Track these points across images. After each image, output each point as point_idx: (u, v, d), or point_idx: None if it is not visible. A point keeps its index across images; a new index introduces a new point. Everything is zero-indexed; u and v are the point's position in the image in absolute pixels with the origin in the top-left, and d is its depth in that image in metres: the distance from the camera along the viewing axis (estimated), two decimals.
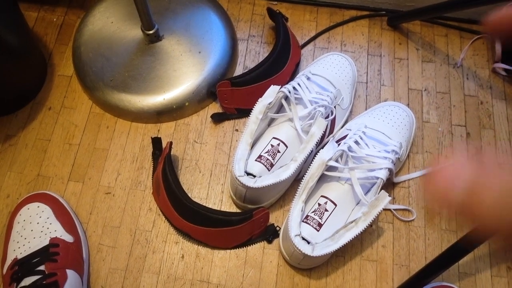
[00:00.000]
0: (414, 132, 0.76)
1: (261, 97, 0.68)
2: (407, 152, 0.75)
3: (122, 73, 0.78)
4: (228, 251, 0.69)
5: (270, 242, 0.70)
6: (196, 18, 0.82)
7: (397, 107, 0.74)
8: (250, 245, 0.70)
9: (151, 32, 0.77)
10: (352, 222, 0.62)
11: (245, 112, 0.78)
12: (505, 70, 0.83)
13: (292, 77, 0.80)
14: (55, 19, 0.87)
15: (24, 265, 0.58)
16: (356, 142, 0.67)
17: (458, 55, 0.86)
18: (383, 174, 0.64)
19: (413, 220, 0.72)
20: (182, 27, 0.81)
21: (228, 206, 0.72)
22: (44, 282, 0.56)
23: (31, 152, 0.75)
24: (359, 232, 0.60)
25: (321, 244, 0.61)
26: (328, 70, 0.75)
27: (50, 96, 0.80)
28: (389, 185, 0.74)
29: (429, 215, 0.72)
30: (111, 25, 0.82)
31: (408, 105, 0.81)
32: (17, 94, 0.78)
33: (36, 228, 0.63)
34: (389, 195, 0.61)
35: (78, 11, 0.88)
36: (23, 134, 0.77)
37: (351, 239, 0.60)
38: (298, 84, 0.70)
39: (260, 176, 0.65)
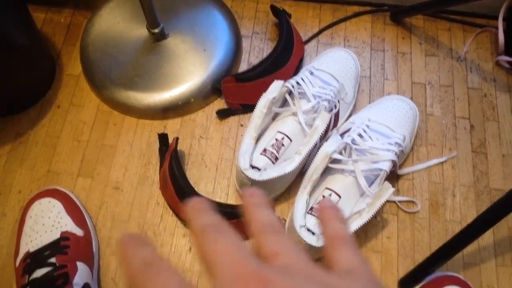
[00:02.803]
0: (418, 125, 0.76)
1: (265, 92, 0.69)
2: (411, 145, 0.76)
3: (128, 71, 0.79)
4: None
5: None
6: (200, 16, 0.84)
7: (401, 101, 0.75)
8: None
9: (156, 30, 0.78)
10: (356, 213, 0.63)
11: (249, 108, 0.79)
12: (509, 62, 0.83)
13: (295, 73, 0.81)
14: (62, 20, 0.89)
15: (36, 258, 0.60)
16: (360, 135, 0.68)
17: (461, 48, 0.86)
18: (386, 166, 0.65)
19: (417, 211, 0.73)
20: (187, 26, 0.83)
21: (234, 199, 0.73)
22: (55, 273, 0.58)
23: (41, 149, 0.77)
24: (364, 223, 0.61)
25: None
26: (332, 65, 0.76)
27: (59, 95, 0.82)
28: (393, 177, 0.74)
29: (433, 207, 0.73)
30: (117, 24, 0.83)
31: (411, 98, 0.81)
32: (27, 93, 0.80)
33: (47, 223, 0.65)
34: (393, 187, 0.62)
35: (84, 12, 0.90)
36: (33, 131, 0.78)
37: (356, 230, 0.61)
38: (302, 79, 0.71)
39: (265, 169, 0.66)
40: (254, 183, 0.65)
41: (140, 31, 0.82)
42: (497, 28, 0.85)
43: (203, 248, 0.20)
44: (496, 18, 0.86)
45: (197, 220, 0.21)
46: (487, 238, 0.70)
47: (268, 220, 0.22)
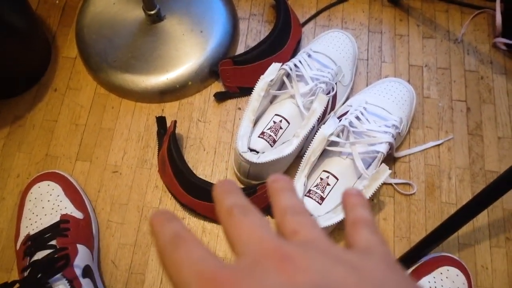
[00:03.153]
0: (415, 108, 0.77)
1: (263, 75, 0.69)
2: (408, 128, 0.76)
3: (125, 54, 0.79)
4: None
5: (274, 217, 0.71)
6: None
7: (398, 83, 0.75)
8: None
9: (152, 12, 0.77)
10: None
11: (247, 91, 0.79)
12: (506, 44, 0.83)
13: (293, 55, 0.81)
14: (57, 2, 0.88)
15: (37, 240, 0.61)
16: (357, 118, 0.69)
17: (458, 30, 0.86)
18: (383, 148, 0.66)
19: (413, 193, 0.73)
20: (183, 7, 0.82)
21: None
22: (56, 255, 0.59)
23: (38, 132, 0.77)
24: None
25: (323, 217, 0.63)
26: (329, 47, 0.76)
27: (55, 78, 0.81)
28: (390, 160, 0.75)
29: (429, 189, 0.74)
30: (113, 6, 0.82)
31: (408, 81, 0.82)
32: (23, 76, 0.80)
33: (47, 206, 0.65)
34: (390, 170, 0.63)
35: None
36: (30, 115, 0.78)
37: None
38: (299, 61, 0.71)
39: (263, 152, 0.66)
40: (252, 166, 0.66)
41: (136, 13, 0.81)
42: (494, 9, 0.85)
43: (229, 228, 0.21)
44: None
45: (224, 201, 0.22)
46: (481, 219, 0.72)
47: (290, 203, 0.23)
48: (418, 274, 0.64)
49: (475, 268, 0.69)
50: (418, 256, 0.66)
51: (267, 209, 0.71)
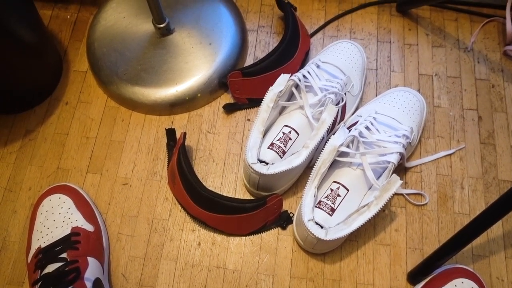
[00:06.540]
0: (425, 117, 0.76)
1: (272, 86, 0.69)
2: (419, 137, 0.76)
3: (135, 67, 0.79)
4: (244, 237, 0.71)
5: (284, 228, 0.71)
6: (206, 11, 0.83)
7: (408, 92, 0.75)
8: (264, 232, 0.71)
9: (162, 25, 0.78)
10: (364, 206, 0.63)
11: (256, 102, 0.79)
12: None
13: (302, 66, 0.81)
14: (68, 17, 0.90)
15: (48, 253, 0.61)
16: (367, 128, 0.68)
17: (468, 39, 0.85)
18: (394, 159, 0.65)
19: (425, 204, 0.72)
20: (193, 20, 0.83)
21: (242, 194, 0.74)
22: (67, 268, 0.59)
23: (50, 146, 0.78)
24: (372, 216, 0.61)
25: (334, 228, 0.62)
26: (338, 57, 0.76)
27: (66, 92, 0.82)
28: (401, 170, 0.74)
29: (442, 199, 0.73)
30: (123, 20, 0.83)
31: (418, 90, 0.81)
32: (34, 90, 0.81)
33: (58, 218, 0.65)
34: (401, 180, 0.62)
35: (90, 7, 0.90)
36: (42, 129, 0.79)
37: (364, 222, 0.61)
38: (308, 72, 0.71)
39: (272, 163, 0.66)
40: (262, 177, 0.65)
41: (146, 26, 0.82)
42: (504, 17, 0.84)
43: None
44: (504, 7, 0.85)
45: None
46: (496, 230, 0.70)
47: None
48: (432, 287, 0.63)
49: (490, 280, 0.68)
50: (431, 268, 0.65)
51: (276, 221, 0.71)
